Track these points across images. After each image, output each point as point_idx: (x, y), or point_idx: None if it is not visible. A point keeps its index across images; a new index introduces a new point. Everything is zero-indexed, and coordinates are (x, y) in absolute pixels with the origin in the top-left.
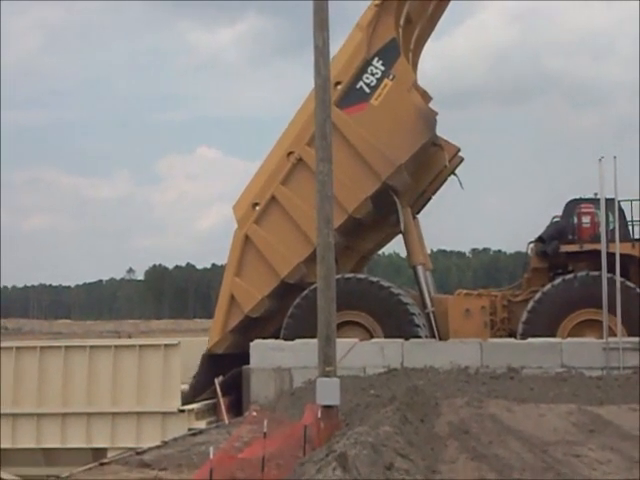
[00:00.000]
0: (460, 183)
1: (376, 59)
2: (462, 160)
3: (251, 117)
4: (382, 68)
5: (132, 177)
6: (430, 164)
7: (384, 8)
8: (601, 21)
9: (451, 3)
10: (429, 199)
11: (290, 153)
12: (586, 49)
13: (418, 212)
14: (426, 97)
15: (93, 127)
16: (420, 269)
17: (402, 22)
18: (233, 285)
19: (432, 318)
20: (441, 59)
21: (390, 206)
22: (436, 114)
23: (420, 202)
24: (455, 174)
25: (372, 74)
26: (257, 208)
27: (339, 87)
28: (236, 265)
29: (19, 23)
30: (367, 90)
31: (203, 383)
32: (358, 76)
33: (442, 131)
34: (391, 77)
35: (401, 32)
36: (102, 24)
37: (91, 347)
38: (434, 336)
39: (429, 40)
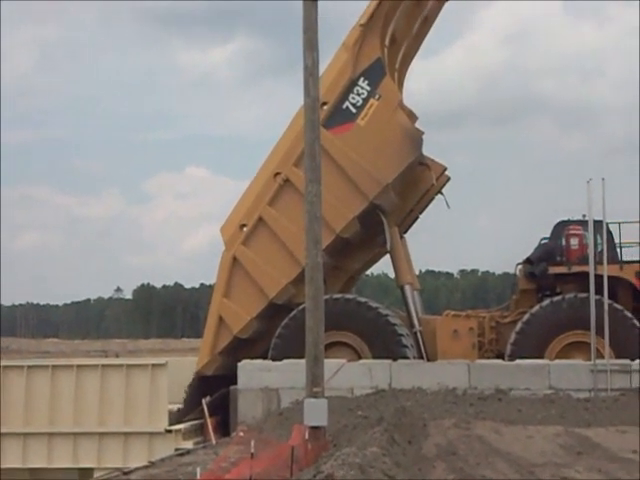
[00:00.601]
0: (447, 202)
1: (362, 79)
2: (449, 179)
3: (241, 136)
4: (368, 88)
5: (122, 196)
6: (417, 183)
7: (369, 28)
8: (590, 43)
9: (439, 24)
10: (416, 218)
11: (277, 174)
12: (575, 71)
13: (405, 232)
14: (412, 116)
15: (83, 146)
16: (408, 288)
17: (387, 42)
18: (221, 306)
19: (420, 338)
20: (431, 80)
21: (377, 226)
22: (422, 133)
23: (407, 222)
24: (442, 193)
25: (358, 94)
26: (244, 229)
27: (325, 107)
28: (224, 286)
29: (10, 42)
30: (353, 110)
31: (193, 404)
32: (344, 96)
33: (432, 152)
34: (377, 97)
35: (386, 52)
36: (93, 43)
37: (78, 366)
38: (422, 357)
39: (420, 61)
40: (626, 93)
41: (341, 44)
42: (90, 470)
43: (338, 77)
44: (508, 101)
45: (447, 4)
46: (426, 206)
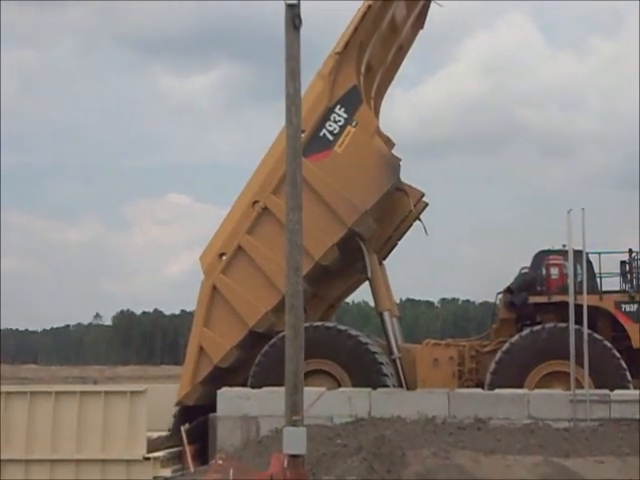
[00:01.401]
0: (424, 228)
1: (338, 107)
2: (427, 205)
3: (222, 163)
4: (345, 115)
5: (101, 222)
6: (395, 209)
7: (345, 56)
8: (570, 74)
9: (422, 54)
10: (395, 245)
11: (255, 202)
12: (555, 101)
13: (384, 258)
14: (389, 143)
15: (63, 171)
16: (387, 315)
17: (363, 70)
18: (202, 336)
19: (399, 365)
20: (414, 109)
21: (357, 252)
22: (399, 160)
23: (386, 248)
24: (420, 219)
25: (335, 122)
26: (224, 258)
27: (302, 135)
28: (204, 315)
29: None
30: (330, 137)
31: (177, 432)
32: (321, 124)
33: (414, 180)
34: (354, 124)
35: (362, 79)
36: (74, 68)
37: (56, 393)
38: (402, 385)
39: (403, 91)
40: (606, 123)
41: (316, 73)
42: None
43: (315, 105)
44: (490, 130)
45: (422, 32)
46: (404, 233)
